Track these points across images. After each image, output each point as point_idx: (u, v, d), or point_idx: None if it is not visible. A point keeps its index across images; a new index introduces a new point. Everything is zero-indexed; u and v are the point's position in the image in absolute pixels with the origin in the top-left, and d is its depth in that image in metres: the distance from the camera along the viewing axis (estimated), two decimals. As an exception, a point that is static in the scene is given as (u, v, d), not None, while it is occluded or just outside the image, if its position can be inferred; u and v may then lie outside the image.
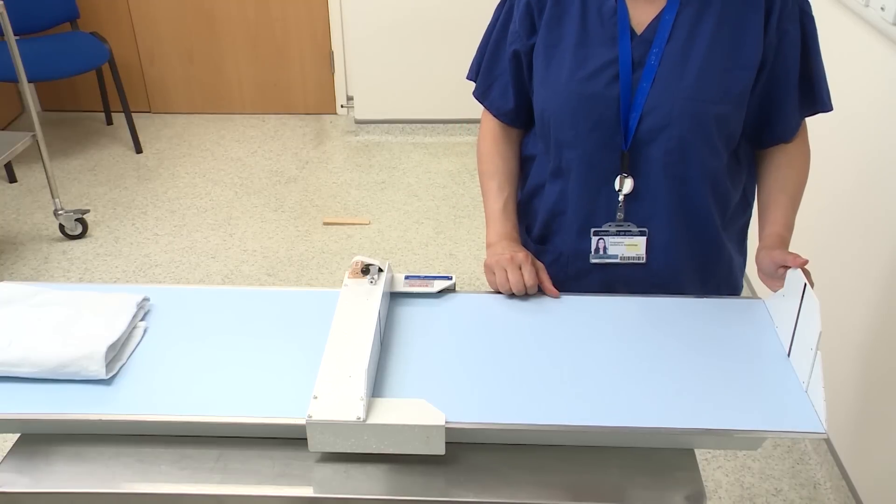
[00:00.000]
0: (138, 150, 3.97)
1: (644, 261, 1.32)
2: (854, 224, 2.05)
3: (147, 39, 4.20)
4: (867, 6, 1.94)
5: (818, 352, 1.05)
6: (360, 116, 4.10)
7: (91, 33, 3.95)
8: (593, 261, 1.33)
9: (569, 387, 1.08)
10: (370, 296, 1.18)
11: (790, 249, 1.25)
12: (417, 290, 1.27)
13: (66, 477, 1.01)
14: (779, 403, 1.06)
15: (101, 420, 1.04)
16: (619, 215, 1.29)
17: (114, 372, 1.11)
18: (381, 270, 1.23)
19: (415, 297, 1.27)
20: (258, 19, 4.14)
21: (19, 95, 4.19)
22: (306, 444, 1.00)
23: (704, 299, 1.28)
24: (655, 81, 1.20)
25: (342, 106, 4.25)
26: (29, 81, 3.12)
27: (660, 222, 1.29)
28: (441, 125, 4.04)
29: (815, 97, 1.29)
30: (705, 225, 1.31)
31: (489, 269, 1.29)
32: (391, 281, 1.27)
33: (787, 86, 1.25)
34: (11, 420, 1.06)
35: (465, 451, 1.04)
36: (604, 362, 1.13)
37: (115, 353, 1.13)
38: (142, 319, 1.22)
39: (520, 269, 1.26)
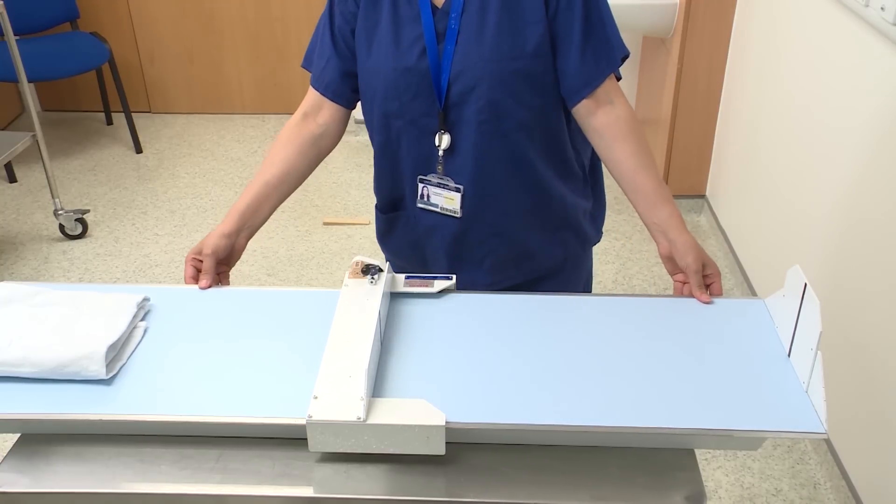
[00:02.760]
0: (138, 150, 3.97)
1: (459, 215, 1.41)
2: (854, 223, 2.05)
3: (147, 39, 4.20)
4: (867, 6, 1.94)
5: (818, 352, 1.05)
6: (360, 116, 4.09)
7: (91, 33, 3.95)
8: (419, 206, 1.43)
9: (568, 387, 1.08)
10: (370, 296, 1.18)
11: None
12: (417, 290, 1.27)
13: (66, 477, 1.01)
14: (779, 403, 1.06)
15: (101, 420, 1.04)
16: (439, 168, 1.39)
17: (114, 372, 1.11)
18: (381, 270, 1.23)
19: (415, 297, 1.27)
20: (258, 19, 4.14)
21: (19, 95, 4.19)
22: (306, 444, 1.00)
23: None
24: (458, 47, 1.31)
25: (342, 106, 4.25)
26: (29, 81, 3.12)
27: (482, 176, 1.38)
28: (441, 125, 4.04)
29: (603, 43, 1.34)
30: (530, 174, 1.39)
31: None
32: (391, 281, 1.27)
33: (570, 34, 1.32)
34: (11, 420, 1.05)
35: (465, 451, 1.04)
36: (604, 362, 1.13)
37: (116, 353, 1.13)
38: (142, 319, 1.22)
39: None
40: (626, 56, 1.37)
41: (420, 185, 1.41)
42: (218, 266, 1.34)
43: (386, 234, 1.55)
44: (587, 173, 1.51)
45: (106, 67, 3.90)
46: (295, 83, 4.27)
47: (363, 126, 4.11)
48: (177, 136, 4.15)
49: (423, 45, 1.32)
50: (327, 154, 1.48)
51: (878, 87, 1.94)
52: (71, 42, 3.89)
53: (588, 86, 1.33)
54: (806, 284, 1.09)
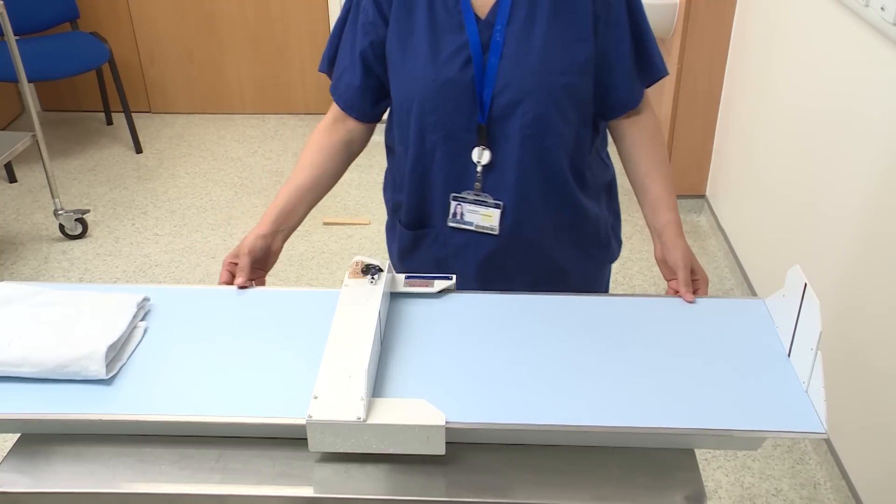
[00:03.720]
0: (138, 150, 3.97)
1: (497, 232, 1.37)
2: (854, 222, 2.05)
3: (147, 39, 4.20)
4: (867, 6, 1.94)
5: (818, 352, 1.05)
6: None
7: (91, 33, 3.95)
8: (450, 224, 1.39)
9: (569, 387, 1.08)
10: (370, 296, 1.18)
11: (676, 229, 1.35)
12: (417, 290, 1.27)
13: (66, 477, 1.01)
14: (779, 403, 1.06)
15: (101, 420, 1.04)
16: (477, 185, 1.35)
17: (114, 372, 1.11)
18: (381, 270, 1.23)
19: (415, 297, 1.27)
20: (258, 19, 4.14)
21: (19, 95, 4.19)
22: (306, 444, 1.00)
23: (704, 299, 1.28)
24: (503, 59, 1.27)
25: (342, 106, 4.24)
26: (29, 81, 3.12)
27: (521, 193, 1.35)
28: (441, 125, 4.03)
29: (648, 60, 1.37)
30: (565, 192, 1.38)
31: None
32: (391, 281, 1.27)
33: (619, 52, 1.33)
34: (11, 420, 1.05)
35: (465, 451, 1.04)
36: (604, 362, 1.13)
37: (116, 353, 1.13)
38: (142, 319, 1.22)
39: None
40: (664, 75, 1.38)
41: (453, 203, 1.37)
42: (254, 270, 1.33)
43: (409, 253, 1.48)
44: (609, 188, 1.50)
45: (106, 67, 3.90)
46: (295, 83, 4.27)
47: (363, 126, 4.10)
48: (177, 136, 4.15)
49: (466, 56, 1.28)
50: (358, 155, 1.48)
51: (879, 87, 1.94)
52: (71, 42, 3.89)
53: (633, 102, 1.37)
54: (806, 284, 1.09)
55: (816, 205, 2.27)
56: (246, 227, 3.36)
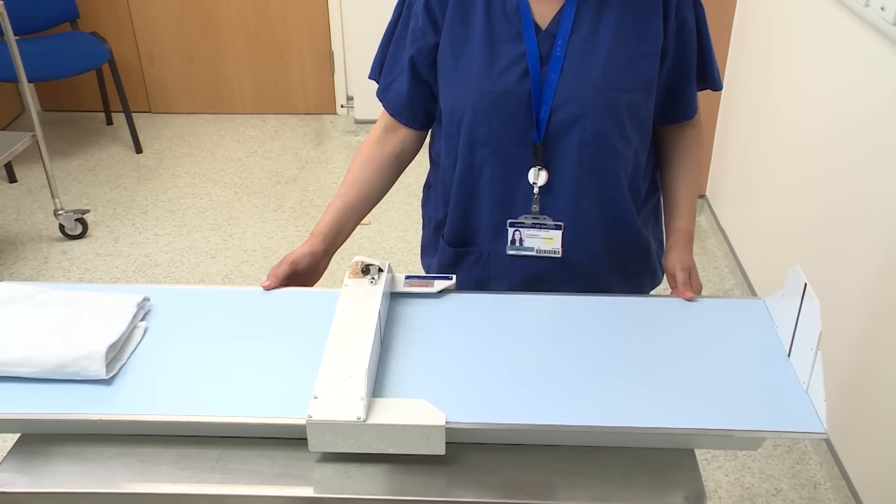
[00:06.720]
0: (138, 150, 3.97)
1: (560, 255, 1.33)
2: (852, 223, 2.05)
3: (147, 39, 4.20)
4: (867, 6, 1.94)
5: (818, 352, 1.05)
6: (360, 116, 4.10)
7: (91, 33, 3.95)
8: (510, 252, 1.34)
9: (569, 387, 1.08)
10: (370, 296, 1.18)
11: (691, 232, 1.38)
12: (417, 290, 1.27)
13: (66, 477, 1.01)
14: (779, 403, 1.06)
15: (101, 420, 1.04)
16: (535, 208, 1.29)
17: (114, 372, 1.11)
18: (381, 270, 1.23)
19: (415, 297, 1.27)
20: (258, 19, 4.14)
21: (19, 95, 4.19)
22: (306, 444, 1.00)
23: (704, 299, 1.28)
24: (563, 74, 1.22)
25: (342, 106, 4.25)
26: (29, 81, 3.12)
27: (577, 214, 1.30)
28: (441, 125, 4.03)
29: (708, 76, 1.35)
30: (622, 214, 1.33)
31: None
32: (391, 281, 1.27)
33: (688, 69, 1.31)
34: (11, 420, 1.06)
35: (465, 451, 1.04)
36: (604, 362, 1.13)
37: (116, 353, 1.13)
38: (142, 319, 1.22)
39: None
40: (718, 89, 1.37)
41: (511, 230, 1.31)
42: (293, 282, 1.32)
43: (448, 270, 1.43)
44: (656, 213, 1.46)
45: (106, 67, 3.90)
46: (295, 83, 4.27)
47: (363, 126, 4.11)
48: (177, 136, 4.15)
49: (523, 68, 1.22)
50: (408, 165, 1.44)
51: (878, 87, 1.94)
52: (71, 42, 3.89)
53: (691, 114, 1.36)
54: (806, 284, 1.09)
55: (816, 204, 2.27)
56: (246, 226, 3.36)
